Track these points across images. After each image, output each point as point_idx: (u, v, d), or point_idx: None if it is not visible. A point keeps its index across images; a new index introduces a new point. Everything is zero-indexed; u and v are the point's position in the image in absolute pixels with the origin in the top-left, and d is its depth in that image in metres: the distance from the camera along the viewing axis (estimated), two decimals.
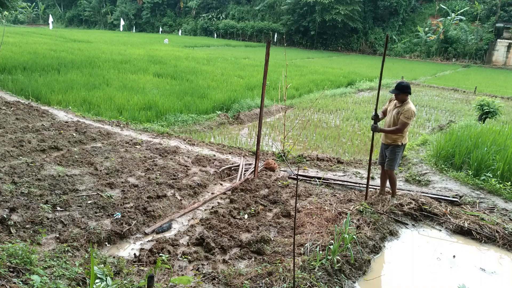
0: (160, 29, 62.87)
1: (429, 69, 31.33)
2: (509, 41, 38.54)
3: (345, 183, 6.89)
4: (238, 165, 7.34)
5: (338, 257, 4.26)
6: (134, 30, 65.95)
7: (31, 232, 4.45)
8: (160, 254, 4.24)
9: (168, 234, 4.88)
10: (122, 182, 6.09)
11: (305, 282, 3.74)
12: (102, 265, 3.85)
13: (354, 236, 4.55)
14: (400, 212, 5.76)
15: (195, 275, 4.02)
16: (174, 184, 6.15)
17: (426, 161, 7.98)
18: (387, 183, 6.25)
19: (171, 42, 39.61)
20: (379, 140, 9.88)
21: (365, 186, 6.46)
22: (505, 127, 9.31)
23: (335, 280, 4.01)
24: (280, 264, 4.12)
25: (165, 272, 4.02)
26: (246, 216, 5.44)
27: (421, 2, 50.74)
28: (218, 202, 5.91)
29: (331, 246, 4.31)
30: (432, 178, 7.13)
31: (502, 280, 4.50)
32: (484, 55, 40.51)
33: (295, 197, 4.90)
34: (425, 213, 5.81)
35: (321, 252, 4.30)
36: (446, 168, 7.45)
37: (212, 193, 6.22)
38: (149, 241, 4.70)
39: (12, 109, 9.93)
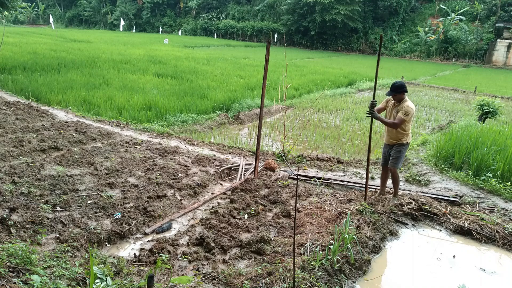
0: (160, 29, 62.87)
1: (429, 69, 31.34)
2: (509, 41, 38.54)
3: (345, 183, 6.89)
4: (238, 165, 7.34)
5: (338, 257, 4.26)
6: (134, 30, 65.95)
7: (31, 232, 4.45)
8: (160, 254, 4.24)
9: (168, 234, 4.88)
10: (122, 182, 6.10)
11: (305, 282, 3.74)
12: (102, 265, 3.85)
13: (354, 236, 4.55)
14: (400, 212, 5.76)
15: (195, 275, 4.02)
16: (174, 184, 6.15)
17: (426, 161, 7.98)
18: (388, 183, 6.26)
19: (171, 42, 39.61)
20: (379, 140, 9.90)
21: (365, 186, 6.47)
22: (505, 127, 9.31)
23: (335, 280, 4.01)
24: (280, 264, 4.12)
25: (165, 272, 4.02)
26: (246, 216, 5.44)
27: (421, 2, 50.74)
28: (218, 202, 5.91)
29: (331, 246, 4.31)
30: (432, 178, 7.13)
31: (502, 280, 4.50)
32: (484, 55, 40.51)
33: (295, 197, 4.90)
34: (425, 213, 5.81)
35: (321, 252, 4.30)
36: (446, 168, 7.45)
37: (212, 193, 6.22)
38: (149, 241, 4.70)
39: (12, 109, 9.93)
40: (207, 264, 4.27)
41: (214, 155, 7.94)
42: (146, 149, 7.88)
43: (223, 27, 58.52)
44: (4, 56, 17.86)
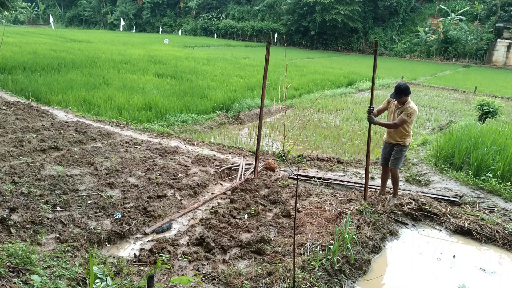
0: (160, 29, 62.85)
1: (429, 69, 31.33)
2: (509, 41, 38.53)
3: (345, 183, 6.89)
4: (238, 165, 7.34)
5: (338, 257, 4.26)
6: (134, 30, 65.94)
7: (31, 232, 4.45)
8: (160, 254, 4.24)
9: (168, 234, 4.88)
10: (122, 182, 6.10)
11: (305, 282, 3.74)
12: (102, 265, 3.84)
13: (354, 236, 4.55)
14: (400, 212, 5.76)
15: (195, 275, 4.02)
16: (174, 184, 6.15)
17: (426, 161, 7.98)
18: (388, 183, 6.26)
19: (171, 42, 39.60)
20: (379, 140, 9.90)
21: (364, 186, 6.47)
22: (505, 127, 9.31)
23: (335, 280, 4.01)
24: (280, 264, 4.12)
25: (165, 272, 4.02)
26: (246, 216, 5.44)
27: (421, 2, 50.72)
28: (218, 202, 5.91)
29: (331, 246, 4.31)
30: (432, 178, 7.13)
31: (502, 280, 4.50)
32: (484, 55, 40.50)
33: (295, 197, 4.90)
34: (425, 213, 5.81)
35: (321, 252, 4.30)
36: (446, 168, 7.45)
37: (212, 193, 6.22)
38: (149, 241, 4.70)
39: (12, 109, 9.93)
40: (207, 264, 4.27)
41: (214, 155, 7.94)
42: (146, 149, 7.88)
43: (223, 27, 58.51)
44: (4, 56, 17.86)
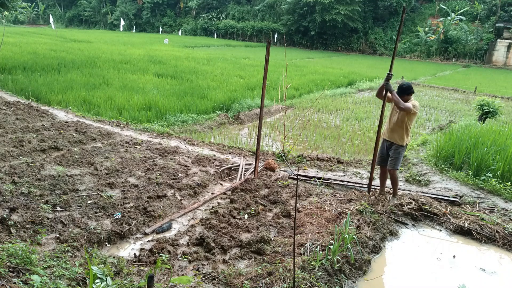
0: (160, 29, 62.85)
1: (429, 69, 31.34)
2: (509, 41, 38.53)
3: (345, 183, 6.88)
4: (238, 165, 7.34)
5: (338, 257, 4.26)
6: (134, 30, 65.93)
7: (31, 232, 4.45)
8: (160, 254, 4.24)
9: (168, 234, 4.88)
10: (122, 182, 6.09)
11: (305, 282, 3.74)
12: (102, 265, 3.84)
13: (354, 236, 4.55)
14: (400, 212, 5.76)
15: (195, 275, 4.02)
16: (174, 184, 6.15)
17: (426, 161, 7.97)
18: (387, 183, 6.25)
19: (171, 42, 39.60)
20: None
21: (365, 186, 6.47)
22: (505, 127, 9.31)
23: (335, 280, 4.01)
24: (280, 264, 4.12)
25: (165, 272, 4.02)
26: (246, 216, 5.44)
27: (421, 2, 50.72)
28: (218, 202, 5.91)
29: (331, 246, 4.31)
30: (432, 178, 7.13)
31: (502, 280, 4.50)
32: (484, 55, 40.50)
33: (295, 197, 4.90)
34: (425, 213, 5.81)
35: (321, 252, 4.30)
36: (446, 168, 7.45)
37: (212, 193, 6.22)
38: (149, 241, 4.70)
39: (12, 109, 9.93)
40: (207, 264, 4.27)
41: (214, 155, 7.94)
42: (146, 149, 7.88)
43: (223, 27, 58.50)
44: (4, 56, 17.86)
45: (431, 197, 6.25)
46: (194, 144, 8.66)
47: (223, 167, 7.17)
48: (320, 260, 4.13)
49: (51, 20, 42.97)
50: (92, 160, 6.85)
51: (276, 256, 4.42)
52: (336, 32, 47.50)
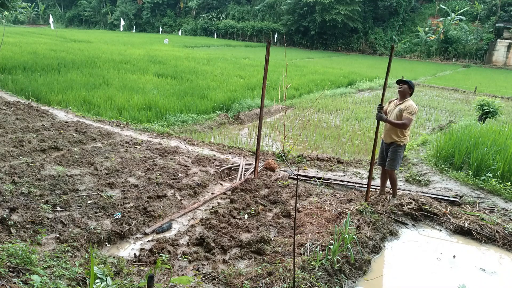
0: (160, 29, 62.86)
1: (429, 69, 31.34)
2: (509, 41, 38.53)
3: (345, 183, 6.88)
4: (238, 165, 7.34)
5: (338, 257, 4.26)
6: (134, 30, 65.95)
7: (31, 232, 4.45)
8: (160, 254, 4.24)
9: (168, 234, 4.88)
10: (122, 182, 6.09)
11: (305, 282, 3.74)
12: (102, 265, 3.85)
13: (354, 236, 4.55)
14: (400, 212, 5.76)
15: (195, 275, 4.02)
16: (174, 184, 6.15)
17: (426, 161, 7.97)
18: (387, 183, 6.25)
19: (171, 42, 39.61)
20: (379, 140, 9.89)
21: (365, 186, 6.46)
22: (505, 127, 9.31)
23: (335, 280, 4.01)
24: (280, 264, 4.12)
25: (165, 272, 4.02)
26: (246, 216, 5.44)
27: (421, 2, 50.74)
28: (218, 202, 5.91)
29: (331, 246, 4.31)
30: (432, 178, 7.13)
31: (502, 280, 4.50)
32: (484, 55, 40.51)
33: (295, 197, 4.90)
34: (425, 213, 5.81)
35: (321, 252, 4.30)
36: (446, 168, 7.45)
37: (212, 193, 6.22)
38: (149, 241, 4.70)
39: (12, 109, 9.93)
40: (207, 264, 4.27)
41: (214, 155, 7.94)
42: (146, 149, 7.88)
43: (223, 27, 58.51)
44: (4, 56, 17.86)
45: (431, 197, 6.25)
46: (194, 144, 8.66)
47: (223, 167, 7.17)
48: (320, 260, 4.13)
49: (51, 20, 42.98)
50: (92, 160, 6.85)
51: (276, 256, 4.42)
52: (336, 32, 47.52)
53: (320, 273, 3.98)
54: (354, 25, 45.94)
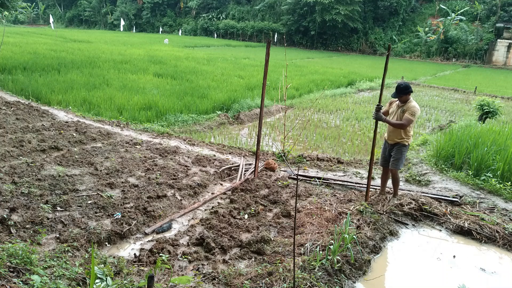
0: (160, 29, 62.84)
1: (429, 69, 31.33)
2: (509, 41, 38.53)
3: (345, 183, 6.89)
4: (238, 165, 7.34)
5: (338, 257, 4.26)
6: (134, 30, 65.93)
7: (31, 232, 4.45)
8: (160, 254, 4.24)
9: (168, 234, 4.88)
10: (122, 182, 6.09)
11: (305, 282, 3.74)
12: (102, 265, 3.85)
13: (354, 236, 4.55)
14: (400, 212, 5.76)
15: (195, 275, 4.02)
16: (174, 184, 6.15)
17: (426, 161, 7.97)
18: (388, 183, 6.25)
19: (171, 42, 39.60)
20: (379, 140, 9.89)
21: (365, 186, 6.46)
22: (505, 127, 9.31)
23: (335, 280, 4.01)
24: (280, 264, 4.12)
25: (165, 272, 4.02)
26: (246, 216, 5.44)
27: (421, 2, 50.73)
28: (218, 202, 5.91)
29: (331, 246, 4.31)
30: (432, 178, 7.13)
31: (502, 280, 4.50)
32: (484, 55, 40.51)
33: (295, 197, 4.90)
34: (425, 213, 5.81)
35: (321, 252, 4.30)
36: (446, 168, 7.45)
37: (212, 193, 6.22)
38: (149, 241, 4.70)
39: (12, 109, 9.93)
40: (207, 264, 4.27)
41: (214, 155, 7.94)
42: (146, 149, 7.88)
43: (223, 27, 58.49)
44: (4, 56, 17.86)
45: (431, 197, 6.25)
46: (194, 144, 8.66)
47: (223, 167, 7.17)
48: (320, 260, 4.13)
49: (51, 20, 43.00)
50: (92, 160, 6.85)
51: (276, 256, 4.42)
52: (336, 32, 47.51)
53: (320, 273, 3.98)
54: (354, 25, 45.93)
